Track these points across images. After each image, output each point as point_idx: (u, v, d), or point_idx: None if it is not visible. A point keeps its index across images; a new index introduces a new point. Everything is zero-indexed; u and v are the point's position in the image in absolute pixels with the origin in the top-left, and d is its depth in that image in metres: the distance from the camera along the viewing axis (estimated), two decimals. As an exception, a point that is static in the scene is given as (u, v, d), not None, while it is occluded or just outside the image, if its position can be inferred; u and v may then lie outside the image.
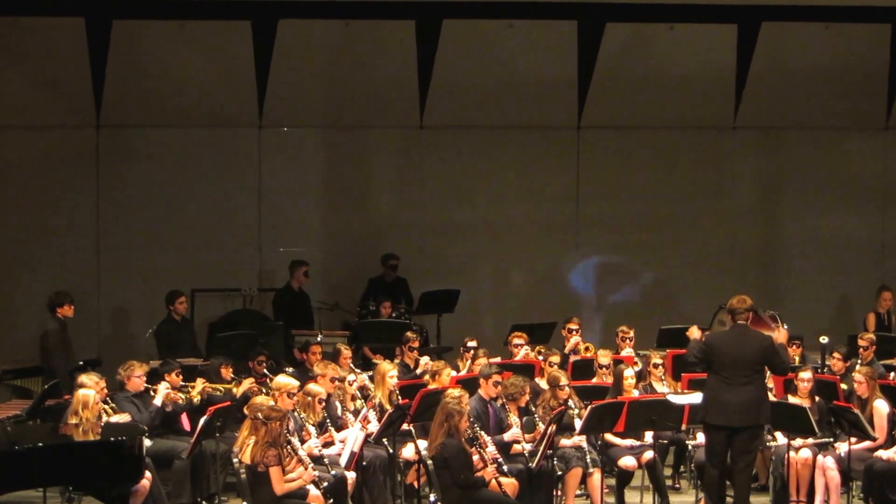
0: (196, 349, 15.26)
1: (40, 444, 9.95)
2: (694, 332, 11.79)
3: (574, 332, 14.85)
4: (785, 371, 11.76)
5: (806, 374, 12.40)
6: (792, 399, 12.27)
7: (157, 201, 17.35)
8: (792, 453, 12.02)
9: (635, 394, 12.47)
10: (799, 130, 17.90)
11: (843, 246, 17.97)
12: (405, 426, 11.66)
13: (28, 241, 17.12)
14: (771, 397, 12.39)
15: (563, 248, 17.96)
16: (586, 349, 14.68)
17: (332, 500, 10.63)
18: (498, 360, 13.71)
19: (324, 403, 11.67)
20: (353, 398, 12.47)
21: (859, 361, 13.57)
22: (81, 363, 14.44)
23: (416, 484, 11.40)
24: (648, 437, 12.23)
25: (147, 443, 11.07)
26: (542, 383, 12.89)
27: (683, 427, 12.28)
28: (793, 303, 17.13)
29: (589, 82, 17.35)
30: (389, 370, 12.60)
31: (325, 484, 10.69)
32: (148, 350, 15.14)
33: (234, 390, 12.65)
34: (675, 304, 17.02)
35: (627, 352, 14.33)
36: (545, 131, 17.76)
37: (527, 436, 11.67)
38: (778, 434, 12.23)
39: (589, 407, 11.66)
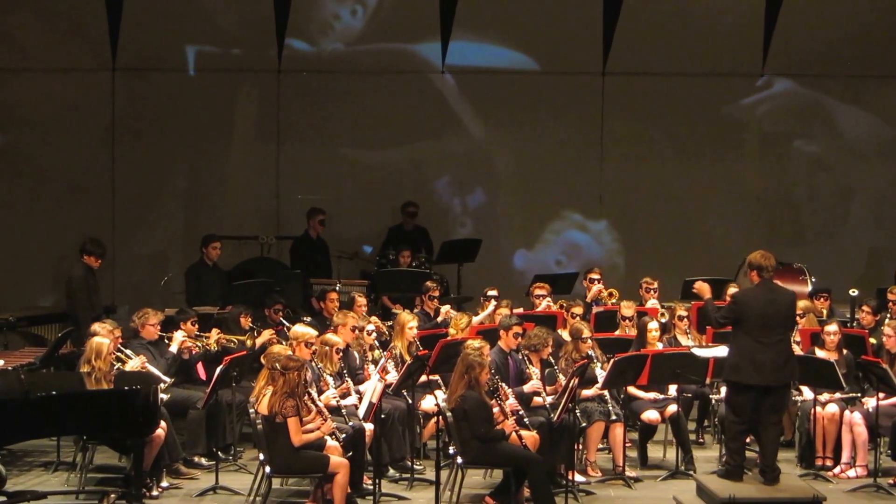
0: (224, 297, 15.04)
1: (54, 393, 9.81)
2: (704, 290, 11.40)
3: (596, 282, 14.66)
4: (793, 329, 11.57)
5: (832, 328, 12.22)
6: (819, 353, 12.09)
7: (173, 146, 17.19)
8: (818, 409, 11.85)
9: (659, 346, 12.27)
10: (830, 78, 17.53)
11: (876, 197, 17.69)
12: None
13: (43, 187, 16.98)
14: (798, 351, 12.23)
15: (586, 199, 17.69)
16: (610, 294, 14.48)
17: (350, 452, 10.48)
18: (520, 310, 13.53)
19: (341, 353, 11.49)
20: (372, 348, 12.31)
21: (889, 315, 13.36)
22: (108, 305, 14.30)
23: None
24: (672, 390, 12.03)
25: (163, 396, 10.92)
26: (565, 335, 12.70)
27: (708, 381, 12.11)
28: (822, 255, 16.86)
29: (614, 27, 17.04)
30: (409, 320, 12.41)
31: (343, 435, 10.57)
32: (163, 298, 14.99)
33: (249, 342, 12.47)
34: (700, 255, 16.77)
35: (652, 303, 14.11)
36: (569, 77, 17.47)
37: (548, 388, 11.50)
38: (804, 389, 12.03)
39: (612, 360, 11.48)
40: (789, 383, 10.95)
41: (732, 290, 12.70)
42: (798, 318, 12.75)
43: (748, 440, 11.23)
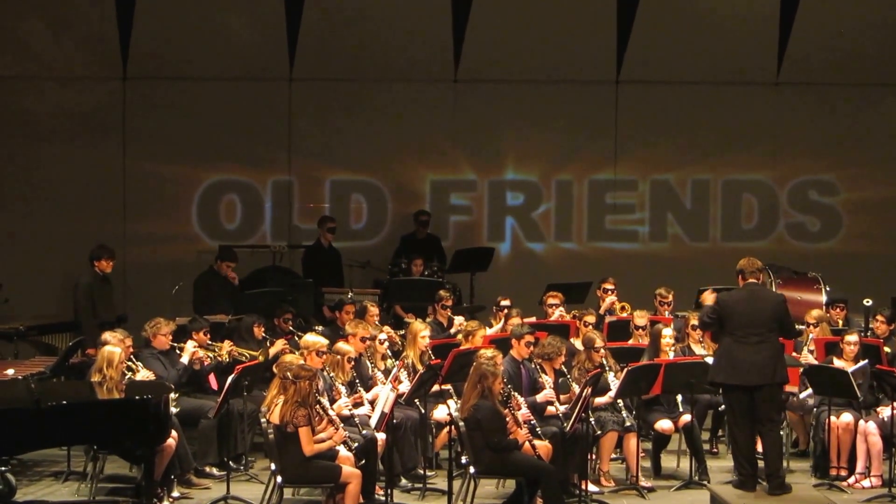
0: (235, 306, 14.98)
1: (65, 402, 9.77)
2: (708, 299, 11.55)
3: (610, 293, 14.61)
4: (794, 334, 11.47)
5: (852, 338, 12.14)
6: (837, 362, 12.01)
7: (184, 155, 17.19)
8: (833, 418, 11.76)
9: (671, 356, 12.21)
10: (845, 86, 17.45)
11: (888, 206, 17.58)
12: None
13: (54, 195, 16.98)
14: (812, 360, 12.17)
15: (600, 207, 17.64)
16: (622, 308, 14.41)
17: (362, 461, 10.43)
18: (532, 319, 13.47)
19: (353, 363, 11.45)
20: (384, 357, 12.26)
21: (903, 325, 13.29)
22: (119, 315, 14.27)
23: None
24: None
25: (174, 409, 10.86)
26: (578, 344, 12.65)
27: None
28: (836, 264, 16.76)
29: (628, 35, 16.99)
30: (422, 329, 12.35)
31: (356, 445, 10.52)
32: (175, 307, 14.95)
33: (262, 358, 12.41)
34: (714, 265, 16.69)
35: (666, 317, 14.02)
36: (582, 86, 17.41)
37: (561, 397, 11.44)
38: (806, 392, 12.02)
39: (625, 370, 11.41)
40: (778, 384, 10.87)
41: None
42: (812, 327, 12.75)
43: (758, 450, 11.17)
